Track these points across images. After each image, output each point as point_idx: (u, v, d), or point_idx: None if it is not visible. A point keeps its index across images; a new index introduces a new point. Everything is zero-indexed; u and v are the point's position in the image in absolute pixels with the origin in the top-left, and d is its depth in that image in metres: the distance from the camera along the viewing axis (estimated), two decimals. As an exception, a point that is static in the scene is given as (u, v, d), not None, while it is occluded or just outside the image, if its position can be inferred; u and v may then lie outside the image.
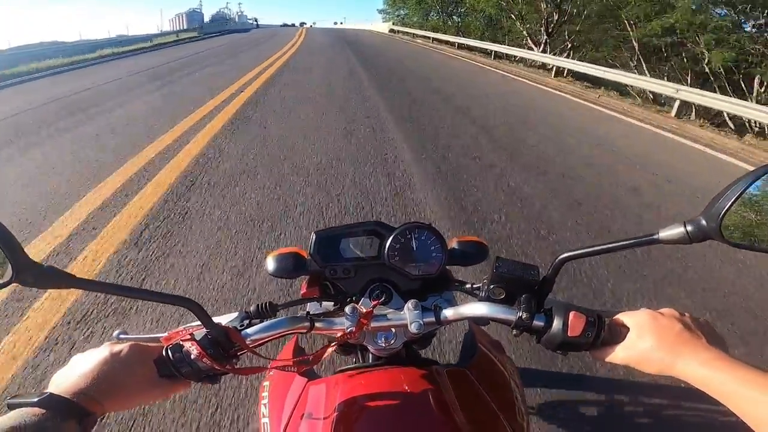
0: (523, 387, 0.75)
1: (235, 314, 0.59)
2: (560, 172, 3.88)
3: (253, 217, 2.80)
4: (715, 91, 9.21)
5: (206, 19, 72.63)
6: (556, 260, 0.54)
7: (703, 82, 12.00)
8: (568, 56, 15.20)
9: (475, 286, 0.64)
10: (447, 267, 0.69)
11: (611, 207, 3.21)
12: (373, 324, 0.60)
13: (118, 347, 0.49)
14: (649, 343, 0.46)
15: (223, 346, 0.52)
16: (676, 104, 7.48)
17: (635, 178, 3.86)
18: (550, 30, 16.58)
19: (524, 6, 17.37)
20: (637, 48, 13.69)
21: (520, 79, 10.63)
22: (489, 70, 11.96)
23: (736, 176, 0.44)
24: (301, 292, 0.71)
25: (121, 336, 0.58)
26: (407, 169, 3.73)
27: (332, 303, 0.68)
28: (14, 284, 0.41)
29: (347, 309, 0.59)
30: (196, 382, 0.53)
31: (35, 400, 0.40)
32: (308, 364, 0.59)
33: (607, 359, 0.50)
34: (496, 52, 15.13)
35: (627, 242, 0.50)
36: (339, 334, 0.59)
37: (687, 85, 10.11)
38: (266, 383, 0.72)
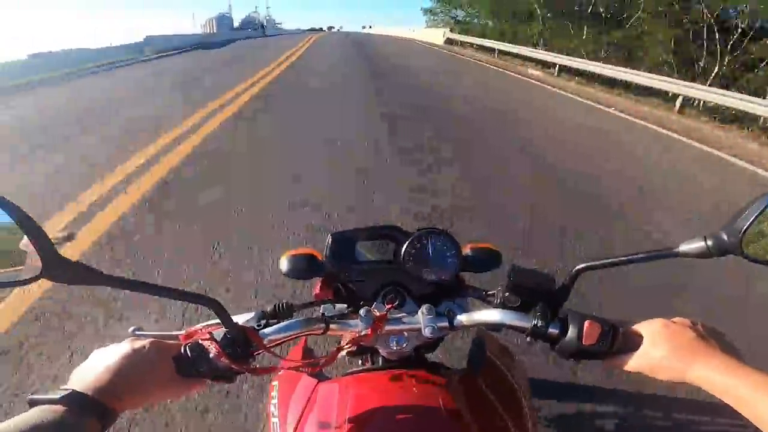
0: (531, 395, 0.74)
1: (251, 314, 0.61)
2: None
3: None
4: None
5: (236, 23, 74.86)
6: (573, 271, 0.55)
7: None
8: None
9: (489, 293, 0.65)
10: (460, 273, 0.69)
11: None
12: (387, 327, 0.61)
13: (138, 344, 0.49)
14: (663, 351, 0.46)
15: (241, 346, 0.53)
16: None
17: None
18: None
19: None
20: None
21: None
22: None
23: None
24: (314, 293, 0.72)
25: (138, 332, 0.57)
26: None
27: (346, 305, 0.69)
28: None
29: (362, 312, 0.60)
30: (213, 380, 0.53)
31: (57, 397, 0.40)
32: (322, 365, 0.60)
33: (622, 367, 0.50)
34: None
35: (646, 255, 0.51)
36: (352, 336, 0.59)
37: None
38: (275, 383, 0.73)
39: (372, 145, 4.51)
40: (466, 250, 0.73)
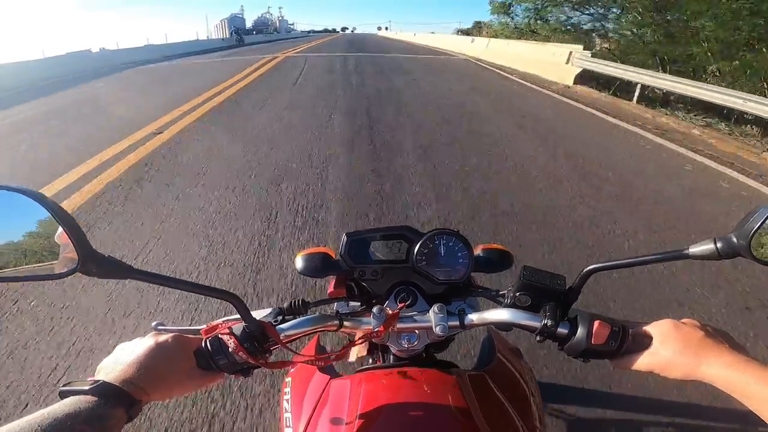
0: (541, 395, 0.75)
1: (268, 310, 0.63)
2: None
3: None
4: None
5: (248, 24, 75.42)
6: (583, 271, 0.55)
7: None
8: None
9: (500, 292, 0.66)
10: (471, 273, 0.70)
11: None
12: (399, 325, 0.62)
13: (162, 338, 0.51)
14: (672, 350, 0.47)
15: (259, 341, 0.54)
16: None
17: None
18: None
19: None
20: None
21: None
22: None
23: None
24: (328, 291, 0.74)
25: (159, 327, 0.59)
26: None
27: (359, 303, 0.71)
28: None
29: (374, 309, 0.61)
30: (231, 374, 0.55)
31: (87, 388, 0.42)
32: (333, 359, 0.61)
33: (631, 367, 0.51)
34: None
35: (656, 256, 0.51)
36: (365, 334, 0.61)
37: None
38: (288, 379, 0.74)
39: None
40: (478, 251, 0.74)
